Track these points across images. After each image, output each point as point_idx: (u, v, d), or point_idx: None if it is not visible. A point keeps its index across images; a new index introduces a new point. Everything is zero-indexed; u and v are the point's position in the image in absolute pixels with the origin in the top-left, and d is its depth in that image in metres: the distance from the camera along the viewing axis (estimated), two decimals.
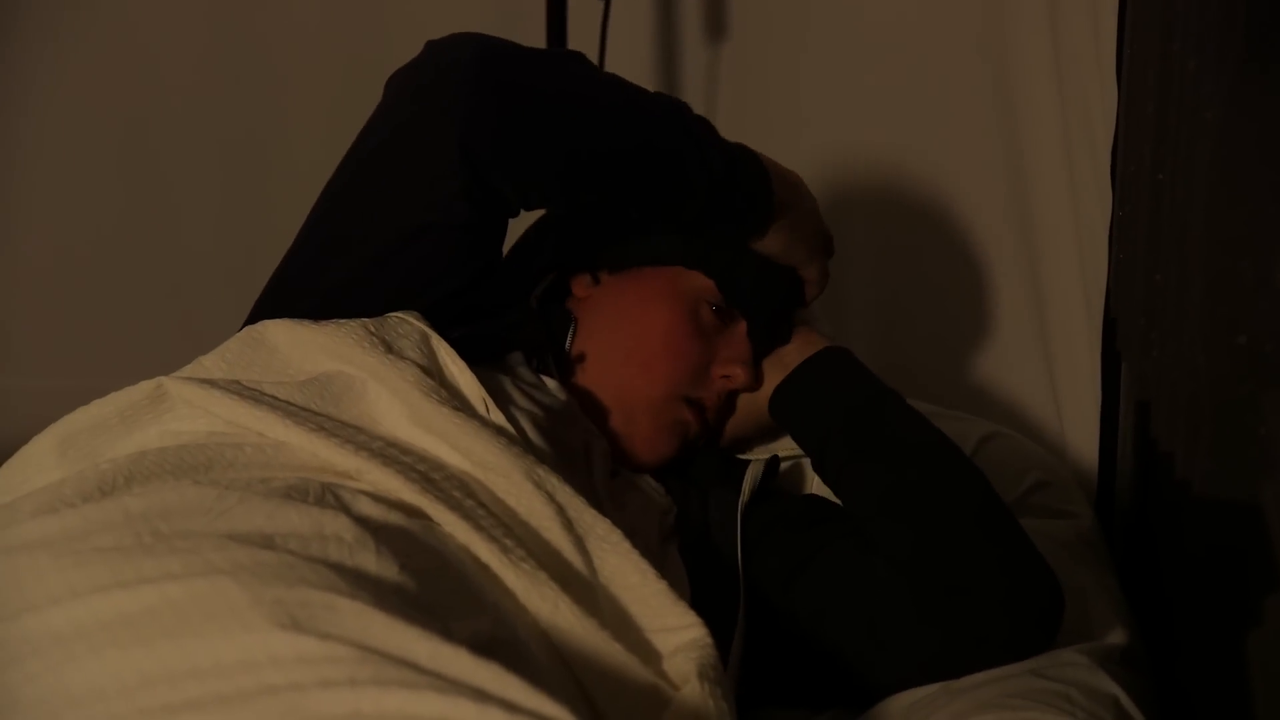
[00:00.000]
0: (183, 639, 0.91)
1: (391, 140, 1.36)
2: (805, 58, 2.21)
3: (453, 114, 1.31)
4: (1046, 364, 1.98)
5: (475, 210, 1.34)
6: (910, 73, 2.13)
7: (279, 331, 1.31)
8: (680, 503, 1.45)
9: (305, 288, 1.39)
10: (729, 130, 2.24)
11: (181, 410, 1.21)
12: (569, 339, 1.47)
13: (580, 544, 1.15)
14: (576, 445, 1.37)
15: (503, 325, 1.41)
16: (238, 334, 1.32)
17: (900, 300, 2.16)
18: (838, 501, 1.47)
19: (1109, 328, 1.78)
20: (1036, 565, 1.32)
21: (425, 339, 1.31)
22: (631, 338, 1.47)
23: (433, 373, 1.28)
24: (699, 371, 1.47)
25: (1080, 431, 1.91)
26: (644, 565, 1.14)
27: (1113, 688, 1.26)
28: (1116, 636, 1.40)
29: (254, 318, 1.40)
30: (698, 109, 2.24)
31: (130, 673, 0.90)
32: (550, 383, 1.41)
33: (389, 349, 1.28)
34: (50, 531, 1.02)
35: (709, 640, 1.09)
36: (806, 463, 1.56)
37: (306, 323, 1.31)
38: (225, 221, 2.39)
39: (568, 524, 1.15)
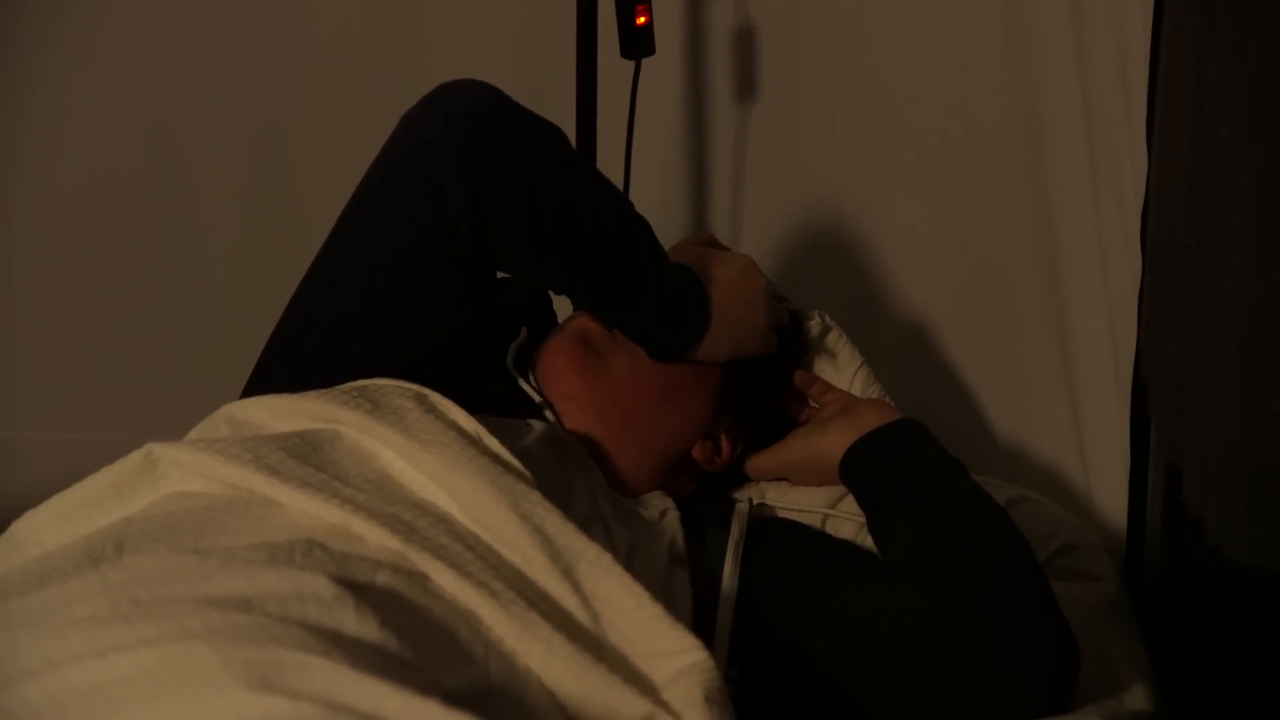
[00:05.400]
0: (155, 704, 0.91)
1: (396, 177, 1.45)
2: (834, 119, 2.21)
3: (454, 152, 1.40)
4: (1075, 429, 1.97)
5: (462, 249, 1.42)
6: (939, 136, 2.13)
7: (249, 408, 1.35)
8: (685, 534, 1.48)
9: (307, 326, 1.49)
10: (758, 191, 2.28)
11: (174, 475, 1.23)
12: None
13: (569, 573, 1.15)
14: (568, 473, 1.41)
15: (494, 396, 1.47)
16: (208, 417, 1.35)
17: (928, 364, 2.15)
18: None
19: (1138, 393, 1.77)
20: (1059, 621, 1.34)
21: (415, 395, 1.34)
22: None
23: (425, 411, 1.31)
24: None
25: (1109, 496, 1.90)
26: (637, 589, 1.15)
27: None
28: (1141, 702, 1.40)
29: (263, 358, 1.51)
30: (727, 169, 2.30)
31: None
32: (538, 424, 1.46)
33: (375, 406, 1.31)
34: (32, 605, 1.03)
35: (711, 663, 1.10)
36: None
37: (282, 395, 1.35)
38: (243, 270, 2.38)
39: (555, 554, 1.16)
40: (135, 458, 1.26)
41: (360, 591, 1.04)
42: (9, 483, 2.15)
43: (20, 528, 1.24)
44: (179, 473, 1.23)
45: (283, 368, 1.50)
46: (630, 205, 1.52)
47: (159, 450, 1.25)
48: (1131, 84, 1.76)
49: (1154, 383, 1.43)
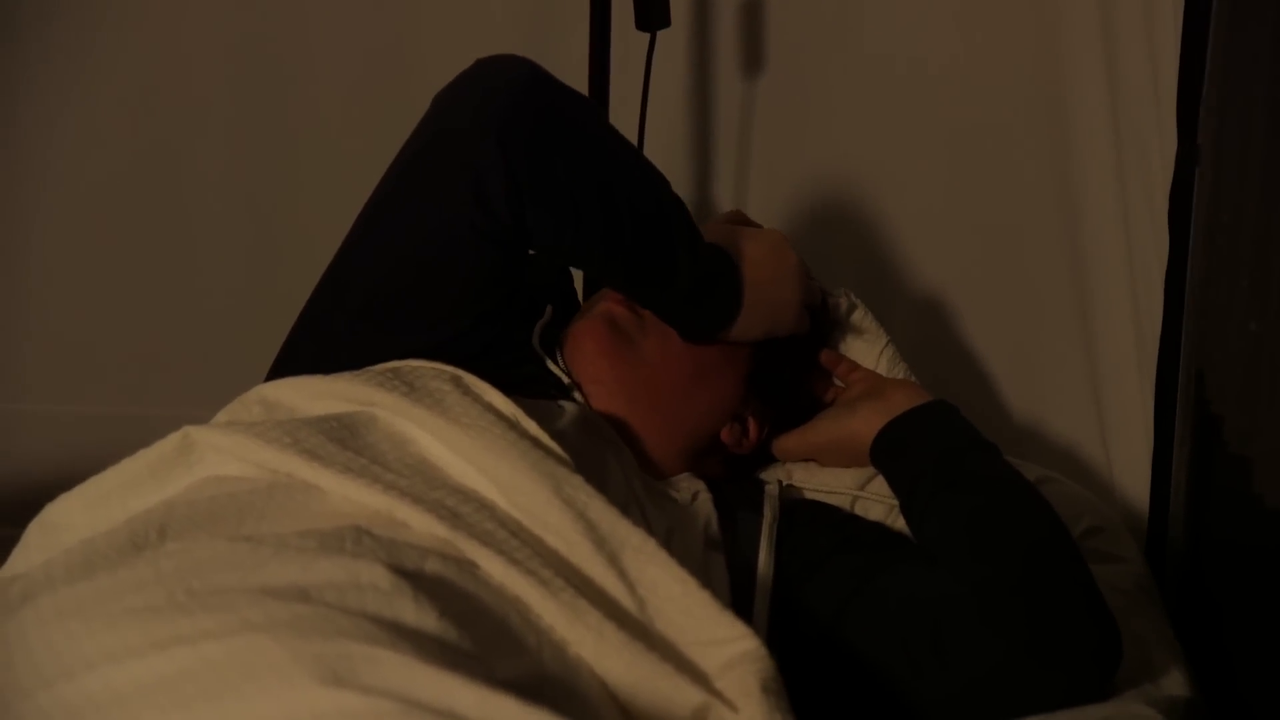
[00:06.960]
0: (222, 700, 0.89)
1: (433, 156, 1.42)
2: (845, 93, 2.18)
3: (492, 130, 1.37)
4: (1096, 409, 1.96)
5: (500, 229, 1.40)
6: (954, 111, 2.11)
7: (281, 390, 1.33)
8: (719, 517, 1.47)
9: (337, 305, 1.47)
10: (765, 166, 2.25)
11: (211, 458, 1.21)
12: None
13: (614, 559, 1.13)
14: (602, 456, 1.39)
15: (521, 377, 1.44)
16: (238, 398, 1.33)
17: (946, 343, 2.14)
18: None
19: (1163, 374, 1.77)
20: (1100, 604, 1.34)
21: (452, 377, 1.32)
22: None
23: (462, 394, 1.29)
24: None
25: (1129, 476, 1.90)
26: (684, 575, 1.13)
27: None
28: (1180, 688, 1.40)
29: (290, 339, 1.49)
30: (732, 142, 2.27)
31: None
32: (570, 405, 1.44)
33: (411, 388, 1.28)
34: (83, 594, 1.01)
35: (764, 651, 1.08)
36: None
37: (315, 376, 1.33)
38: (248, 245, 2.35)
39: (600, 540, 1.14)
40: (171, 440, 1.23)
41: (414, 580, 1.02)
42: (20, 454, 2.16)
43: (55, 511, 1.21)
44: (216, 456, 1.21)
45: (311, 347, 1.47)
46: (667, 184, 1.50)
47: (195, 433, 1.22)
48: (1160, 60, 1.75)
49: (1215, 370, 1.41)
